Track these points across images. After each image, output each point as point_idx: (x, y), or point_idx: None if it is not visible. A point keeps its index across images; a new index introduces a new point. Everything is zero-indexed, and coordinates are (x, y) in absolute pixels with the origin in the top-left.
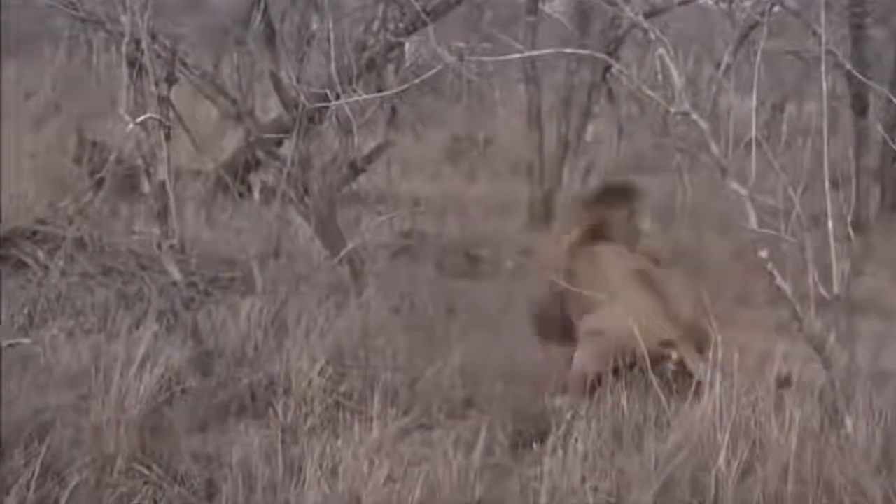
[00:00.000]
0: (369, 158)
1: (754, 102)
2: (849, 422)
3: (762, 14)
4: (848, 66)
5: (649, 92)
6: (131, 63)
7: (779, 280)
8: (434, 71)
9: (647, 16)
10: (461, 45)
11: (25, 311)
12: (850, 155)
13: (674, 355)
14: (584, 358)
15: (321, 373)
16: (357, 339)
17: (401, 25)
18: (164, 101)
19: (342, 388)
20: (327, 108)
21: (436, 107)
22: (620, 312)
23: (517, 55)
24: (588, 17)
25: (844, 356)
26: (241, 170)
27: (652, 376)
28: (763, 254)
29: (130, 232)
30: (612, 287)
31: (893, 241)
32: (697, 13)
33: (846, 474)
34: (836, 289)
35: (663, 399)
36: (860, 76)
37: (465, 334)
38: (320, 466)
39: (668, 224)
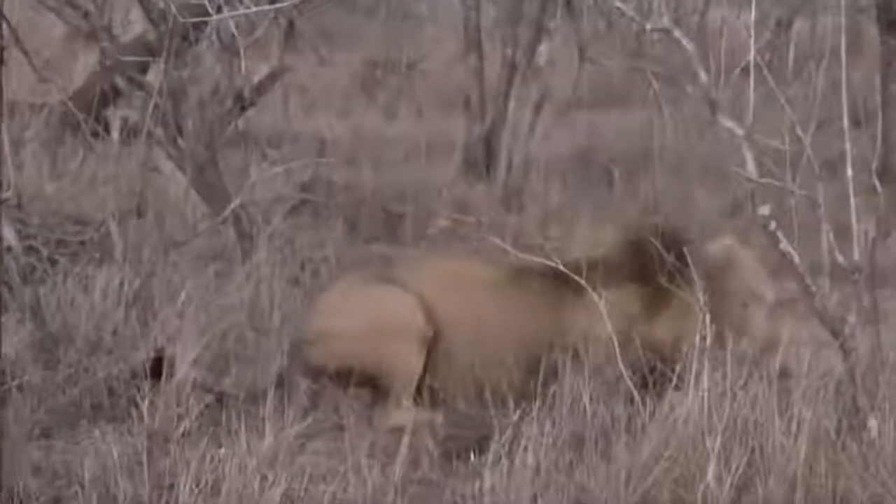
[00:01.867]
0: (260, 88)
1: (753, 17)
2: (872, 423)
3: None
4: None
5: (619, 3)
6: None
7: (784, 244)
8: None
9: None
10: None
11: None
12: (875, 83)
13: None
14: None
15: (198, 363)
16: (245, 318)
17: None
18: None
19: (226, 383)
20: (206, 23)
21: (345, 22)
22: None
23: None
24: None
25: (867, 341)
26: (95, 103)
27: (622, 366)
28: (764, 210)
29: None
30: None
31: None
32: None
33: (869, 489)
34: (856, 255)
35: (636, 395)
36: None
37: None
38: (197, 483)
39: (644, 173)
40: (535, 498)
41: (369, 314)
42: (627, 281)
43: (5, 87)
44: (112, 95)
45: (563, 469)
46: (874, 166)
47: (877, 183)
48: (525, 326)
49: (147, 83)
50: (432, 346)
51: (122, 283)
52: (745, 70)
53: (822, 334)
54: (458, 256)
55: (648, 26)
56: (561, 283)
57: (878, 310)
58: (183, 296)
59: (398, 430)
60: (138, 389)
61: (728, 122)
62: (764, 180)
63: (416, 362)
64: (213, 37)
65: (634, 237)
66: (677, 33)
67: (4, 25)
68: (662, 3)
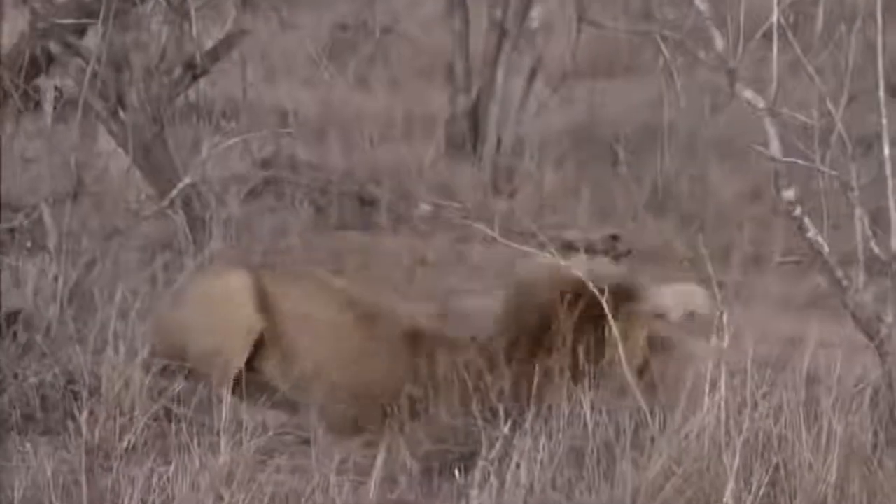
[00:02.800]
0: (214, 54)
1: None
2: None
3: None
4: None
5: None
6: None
7: (812, 232)
8: None
9: None
10: None
11: None
12: None
13: None
14: None
15: (144, 368)
16: None
17: None
18: None
19: (175, 390)
20: None
21: None
22: None
23: None
24: None
25: None
26: (26, 70)
27: (628, 372)
28: (789, 194)
29: None
30: None
31: None
32: None
33: None
34: (894, 245)
35: (644, 405)
36: None
37: None
38: None
39: (652, 152)
40: None
41: (199, 298)
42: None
43: None
44: (45, 62)
45: (561, 488)
46: None
47: None
48: (363, 367)
49: (84, 49)
50: (266, 343)
51: (56, 277)
52: (768, 35)
53: (855, 335)
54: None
55: None
56: (412, 343)
57: None
58: (126, 291)
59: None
60: (75, 398)
61: (748, 94)
62: (789, 159)
63: (233, 353)
64: None
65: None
66: None
67: None
68: None
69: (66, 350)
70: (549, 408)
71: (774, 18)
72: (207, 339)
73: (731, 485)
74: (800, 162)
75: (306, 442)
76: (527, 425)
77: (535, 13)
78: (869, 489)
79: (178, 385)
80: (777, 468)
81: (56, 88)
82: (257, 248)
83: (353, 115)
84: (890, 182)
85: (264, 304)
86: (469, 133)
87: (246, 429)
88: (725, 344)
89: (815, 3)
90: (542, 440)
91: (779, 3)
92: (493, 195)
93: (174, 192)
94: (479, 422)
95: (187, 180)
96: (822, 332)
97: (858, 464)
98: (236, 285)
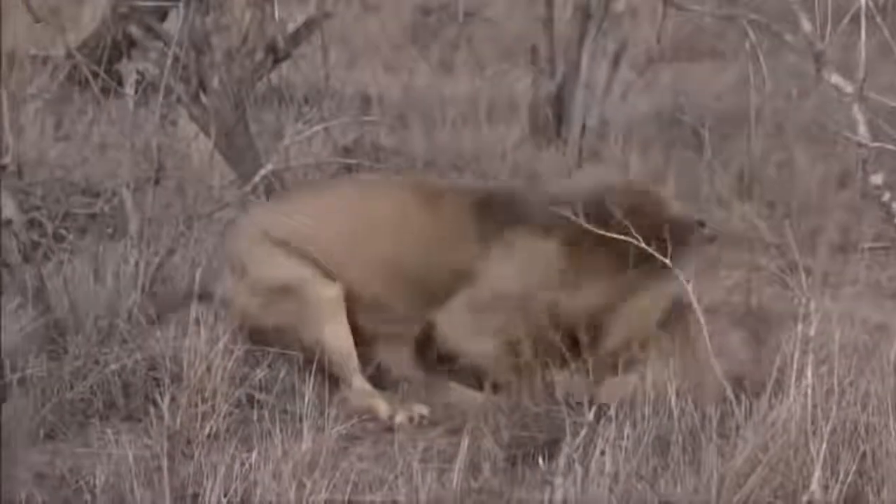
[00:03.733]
0: (296, 37)
1: None
2: None
3: None
4: None
5: None
6: None
7: None
8: None
9: None
10: None
11: None
12: None
13: None
14: None
15: (226, 354)
16: None
17: None
18: None
19: (258, 377)
20: None
21: None
22: None
23: None
24: None
25: None
26: (106, 55)
27: (715, 363)
28: (877, 179)
29: None
30: None
31: None
32: None
33: None
34: None
35: (730, 393)
36: None
37: None
38: (225, 492)
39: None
40: None
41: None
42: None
43: (3, 37)
44: (126, 46)
45: (646, 477)
46: None
47: None
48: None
49: (166, 32)
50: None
51: (137, 263)
52: (856, 18)
53: None
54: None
55: None
56: (481, 213)
57: None
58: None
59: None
60: (157, 384)
61: (835, 78)
62: (877, 144)
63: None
64: None
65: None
66: None
67: None
68: None
69: (148, 336)
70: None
71: (863, 1)
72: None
73: (817, 473)
74: (888, 146)
75: (389, 429)
76: (611, 412)
77: None
78: None
79: (261, 371)
80: (864, 457)
81: (137, 72)
82: None
83: (435, 100)
84: None
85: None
86: (553, 117)
87: (328, 415)
88: (812, 331)
89: None
90: (627, 428)
91: None
92: None
93: (256, 178)
94: (564, 409)
95: (270, 167)
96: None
97: None
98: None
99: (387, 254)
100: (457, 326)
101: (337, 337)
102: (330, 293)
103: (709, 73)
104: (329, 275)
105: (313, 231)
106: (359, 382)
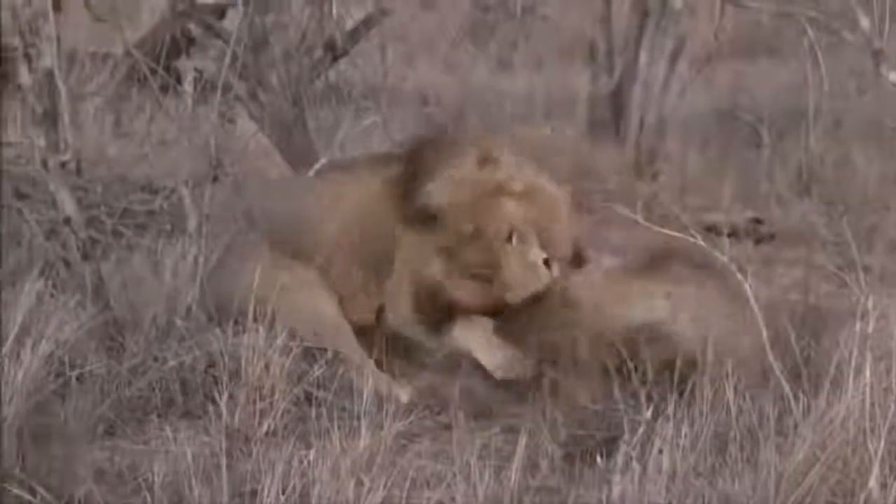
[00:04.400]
0: (354, 35)
1: None
2: None
3: None
4: None
5: None
6: None
7: None
8: None
9: None
10: None
11: None
12: None
13: None
14: None
15: (284, 352)
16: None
17: None
18: None
19: (315, 374)
20: None
21: None
22: None
23: None
24: None
25: None
26: (165, 52)
27: (772, 360)
28: None
29: (2, 143)
30: None
31: None
32: None
33: None
34: None
35: (788, 390)
36: None
37: None
38: (283, 488)
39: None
40: None
41: None
42: None
43: (63, 34)
44: (185, 44)
45: (704, 474)
46: None
47: None
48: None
49: (224, 30)
50: None
51: (196, 259)
52: None
53: None
54: None
55: None
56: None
57: None
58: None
59: None
60: (216, 382)
61: (894, 76)
62: None
63: None
64: None
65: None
66: None
67: None
68: None
69: (206, 333)
70: (692, 392)
71: None
72: None
73: (875, 471)
74: None
75: (447, 426)
76: (669, 410)
77: None
78: None
79: (319, 369)
80: None
81: (196, 70)
82: None
83: (493, 97)
84: None
85: None
86: (611, 114)
87: (387, 413)
88: (870, 328)
89: None
90: (685, 426)
91: None
92: (636, 177)
93: (311, 172)
94: (622, 406)
95: (325, 160)
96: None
97: None
98: None
99: None
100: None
101: None
102: None
103: (767, 71)
104: None
105: None
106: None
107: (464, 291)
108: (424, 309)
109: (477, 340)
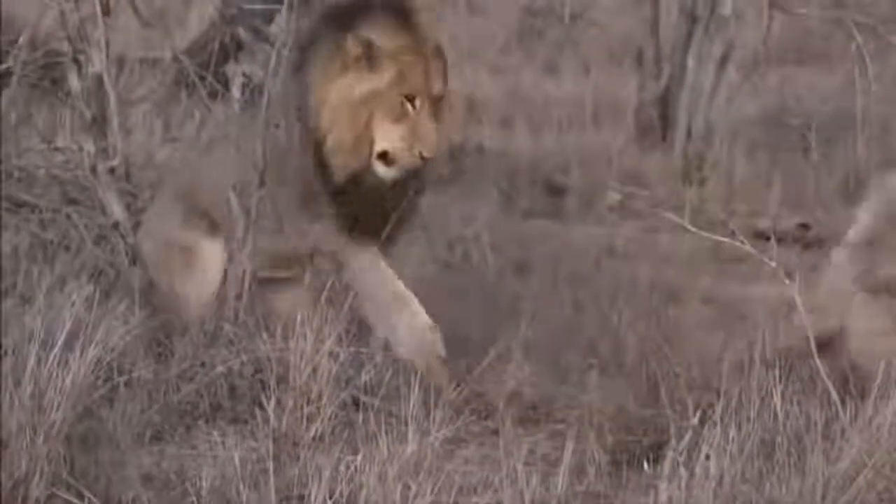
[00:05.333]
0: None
1: None
2: None
3: None
4: None
5: None
6: None
7: None
8: None
9: None
10: None
11: None
12: None
13: None
14: None
15: (332, 356)
16: None
17: None
18: None
19: (363, 379)
20: None
21: None
22: None
23: None
24: None
25: None
26: (214, 58)
27: (821, 365)
28: None
29: (52, 149)
30: None
31: None
32: None
33: None
34: None
35: (835, 396)
36: None
37: (544, 300)
38: (331, 494)
39: (844, 140)
40: None
41: None
42: None
43: (111, 39)
44: (233, 49)
45: (751, 480)
46: None
47: None
48: None
49: (273, 34)
50: None
51: (244, 265)
52: None
53: None
54: None
55: None
56: None
57: None
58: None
59: None
60: (263, 387)
61: None
62: None
63: None
64: None
65: None
66: None
67: None
68: None
69: (254, 338)
70: (740, 397)
71: None
72: None
73: None
74: None
75: (495, 432)
76: (716, 416)
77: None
78: None
79: (366, 374)
80: None
81: (244, 75)
82: (445, 236)
83: (541, 102)
84: None
85: None
86: (659, 120)
87: (434, 419)
88: None
89: None
90: (732, 431)
91: None
92: (683, 183)
93: None
94: (669, 412)
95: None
96: None
97: None
98: None
99: None
100: None
101: None
102: None
103: (815, 76)
104: None
105: None
106: None
107: None
108: None
109: None
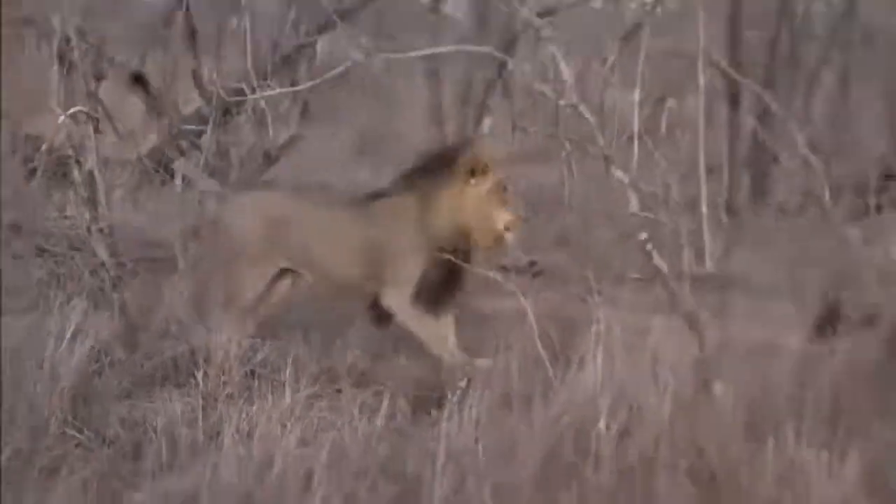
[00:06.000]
0: (282, 149)
1: (637, 97)
2: (718, 389)
3: (645, 14)
4: (723, 64)
5: (542, 87)
6: (61, 59)
7: (656, 259)
8: (342, 67)
9: (540, 15)
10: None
11: None
12: (723, 146)
13: None
14: None
15: (238, 345)
16: (272, 315)
17: (313, 26)
18: (92, 96)
19: (257, 359)
20: (244, 101)
21: (345, 102)
22: None
23: (420, 52)
24: (485, 17)
25: (714, 329)
26: (164, 159)
27: (541, 349)
28: (643, 236)
29: (62, 216)
30: None
31: (762, 224)
32: (587, 13)
33: (714, 438)
34: (709, 267)
35: (549, 369)
36: (732, 75)
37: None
38: (237, 431)
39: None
40: (476, 440)
41: None
42: None
43: (100, 147)
44: (176, 153)
45: (498, 420)
46: (722, 204)
47: (723, 216)
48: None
49: (201, 145)
50: None
51: (184, 290)
52: (631, 136)
53: (678, 323)
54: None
55: (562, 102)
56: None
57: (723, 307)
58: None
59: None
60: (195, 364)
61: (618, 173)
62: (643, 214)
63: None
64: (249, 111)
65: None
66: (583, 108)
67: (99, 104)
68: (572, 86)
69: (190, 335)
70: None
71: (636, 126)
72: None
73: (603, 418)
74: (649, 215)
75: (339, 391)
76: (476, 382)
77: (486, 123)
78: (691, 422)
79: (260, 355)
80: (632, 408)
81: (183, 170)
82: None
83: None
84: (706, 228)
85: None
86: None
87: (301, 383)
88: (600, 329)
89: (661, 116)
90: (486, 392)
91: (638, 116)
92: None
93: None
94: (447, 379)
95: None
96: (662, 324)
97: (684, 406)
98: None
99: None
100: None
101: None
102: None
103: (540, 171)
104: None
105: None
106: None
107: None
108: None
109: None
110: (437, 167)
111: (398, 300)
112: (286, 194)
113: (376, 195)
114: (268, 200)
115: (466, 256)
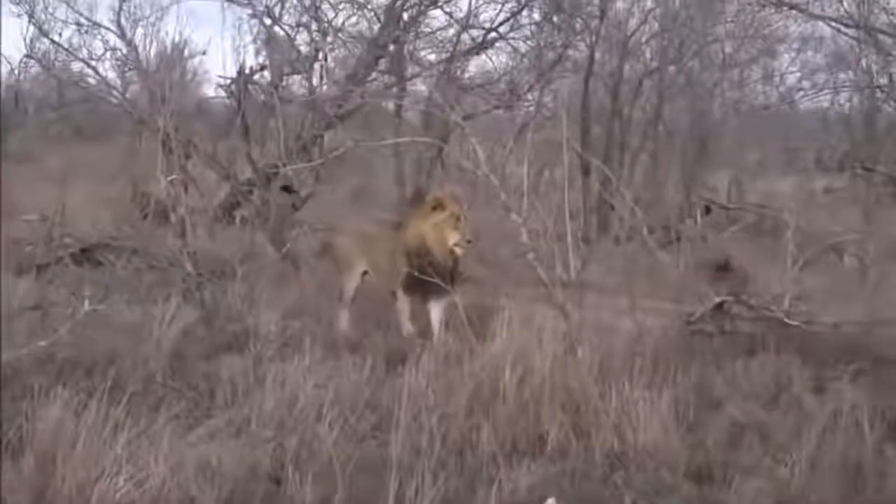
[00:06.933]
0: (303, 200)
1: (526, 169)
2: (580, 352)
3: (530, 118)
4: (578, 149)
5: (465, 163)
6: (164, 146)
7: (539, 271)
8: (341, 150)
9: (464, 119)
10: (356, 137)
11: (102, 290)
12: (580, 199)
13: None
14: None
15: (275, 325)
16: (296, 306)
17: (322, 123)
18: (183, 168)
19: (287, 334)
20: (278, 172)
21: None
22: None
23: (389, 141)
24: (430, 120)
25: (577, 315)
26: (228, 208)
27: (468, 327)
28: (531, 256)
29: (164, 244)
30: None
31: (605, 248)
32: (493, 117)
33: (578, 383)
34: (572, 276)
35: (473, 339)
36: (585, 155)
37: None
38: (274, 380)
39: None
40: (427, 385)
41: None
42: None
43: (188, 201)
44: (236, 204)
45: (442, 372)
46: (579, 236)
47: (581, 243)
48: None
49: (253, 199)
50: None
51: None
52: (522, 193)
53: (557, 312)
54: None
55: (479, 172)
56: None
57: (581, 301)
58: (268, 295)
59: None
60: (249, 338)
61: (514, 216)
62: (531, 242)
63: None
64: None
65: None
66: (491, 176)
67: (187, 174)
68: (485, 163)
69: (246, 318)
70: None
71: (525, 186)
72: None
73: (507, 371)
74: (534, 243)
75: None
76: (428, 345)
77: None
78: (563, 373)
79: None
80: (526, 366)
81: (241, 214)
82: None
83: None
84: (570, 251)
85: None
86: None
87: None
88: (509, 314)
89: (541, 181)
90: (435, 354)
91: (526, 180)
92: None
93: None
94: (407, 346)
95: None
96: (544, 311)
97: (559, 363)
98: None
99: None
100: None
101: None
102: None
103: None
104: None
105: None
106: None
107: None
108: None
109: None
110: (414, 203)
111: (396, 288)
112: (361, 223)
113: (396, 223)
114: (354, 228)
115: (434, 264)
